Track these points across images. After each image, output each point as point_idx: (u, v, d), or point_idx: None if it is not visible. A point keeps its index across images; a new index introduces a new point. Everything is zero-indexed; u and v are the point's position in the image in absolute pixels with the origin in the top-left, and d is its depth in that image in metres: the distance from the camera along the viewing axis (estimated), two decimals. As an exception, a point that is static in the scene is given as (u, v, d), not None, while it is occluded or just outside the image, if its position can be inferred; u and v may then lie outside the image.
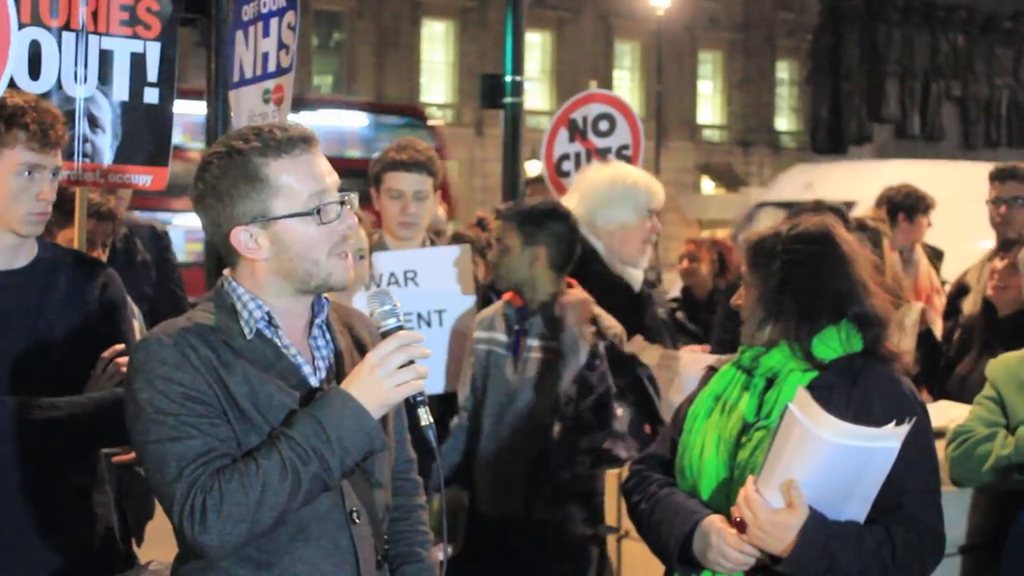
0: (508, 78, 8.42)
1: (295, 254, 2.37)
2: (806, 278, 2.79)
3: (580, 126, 6.52)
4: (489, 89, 8.72)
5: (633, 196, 4.42)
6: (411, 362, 2.28)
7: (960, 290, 5.62)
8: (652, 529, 2.86)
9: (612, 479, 4.05)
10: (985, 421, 3.56)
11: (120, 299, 3.18)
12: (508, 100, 8.46)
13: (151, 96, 3.73)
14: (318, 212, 2.35)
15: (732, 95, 42.76)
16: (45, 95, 3.56)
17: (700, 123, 42.40)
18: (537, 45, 37.48)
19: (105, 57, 3.66)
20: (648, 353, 4.27)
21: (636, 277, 4.54)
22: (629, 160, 6.31)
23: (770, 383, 2.82)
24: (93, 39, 3.63)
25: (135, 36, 3.69)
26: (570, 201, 4.55)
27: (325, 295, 2.48)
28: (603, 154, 6.44)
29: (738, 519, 2.63)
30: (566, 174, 6.43)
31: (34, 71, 3.56)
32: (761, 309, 2.83)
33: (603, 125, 6.55)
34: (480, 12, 36.08)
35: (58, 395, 2.94)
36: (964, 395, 4.42)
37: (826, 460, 2.54)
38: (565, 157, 6.49)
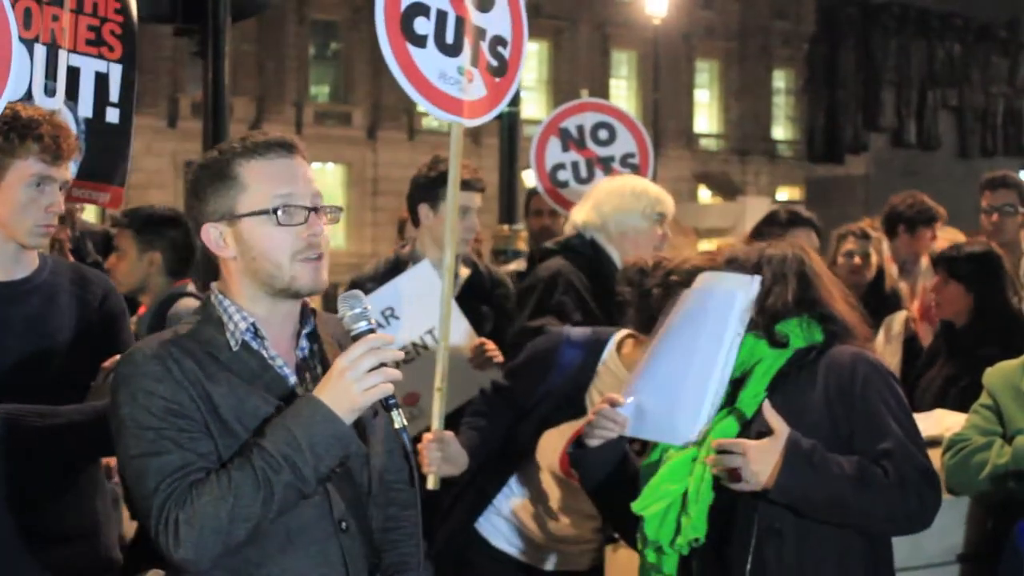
0: (504, 87, 8.42)
1: (257, 254, 2.38)
2: (774, 276, 2.91)
3: (575, 135, 6.44)
4: (485, 98, 8.72)
5: (644, 202, 4.46)
6: (383, 365, 2.26)
7: None
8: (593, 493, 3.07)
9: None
10: (981, 430, 3.55)
11: (120, 309, 3.20)
12: (504, 110, 8.45)
13: (112, 116, 3.77)
14: (275, 212, 2.36)
15: (729, 104, 42.80)
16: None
17: (697, 132, 42.43)
18: (534, 54, 37.51)
19: (72, 73, 3.69)
20: None
21: None
22: (637, 168, 6.25)
23: (738, 385, 2.89)
24: (62, 54, 3.64)
25: (100, 56, 3.73)
26: (583, 209, 4.58)
27: (310, 305, 2.49)
28: (606, 163, 6.37)
29: (730, 469, 2.67)
30: (563, 184, 6.37)
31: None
32: None
33: (602, 134, 6.48)
34: (477, 21, 36.15)
35: (60, 404, 2.95)
36: (925, 406, 4.42)
37: (688, 306, 2.88)
38: (560, 167, 6.42)
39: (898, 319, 5.45)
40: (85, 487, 3.09)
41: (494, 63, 3.84)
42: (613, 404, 2.89)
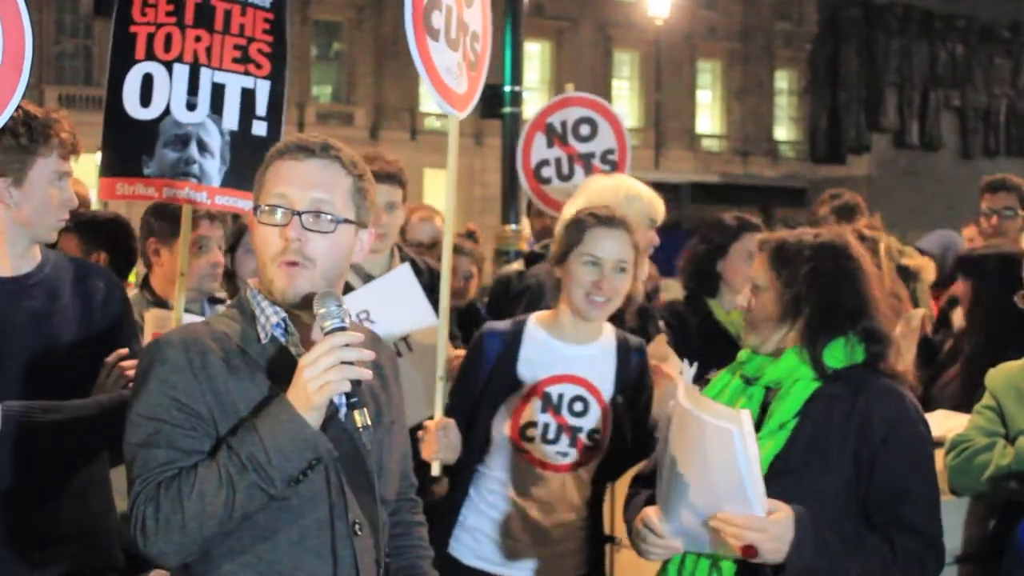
0: (507, 88, 8.41)
1: (255, 251, 2.42)
2: (828, 288, 2.83)
3: (559, 131, 6.41)
4: (488, 99, 8.70)
5: (637, 206, 4.43)
6: (350, 363, 2.23)
7: (951, 302, 5.61)
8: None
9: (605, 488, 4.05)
10: (984, 430, 3.55)
11: (123, 304, 3.22)
12: (507, 110, 8.44)
13: (259, 129, 3.89)
14: (256, 209, 2.39)
15: (731, 104, 42.80)
16: (156, 121, 3.78)
17: (699, 132, 42.43)
18: (536, 55, 37.52)
19: (217, 89, 3.84)
20: (673, 360, 4.25)
21: (638, 289, 4.54)
22: (615, 165, 6.21)
23: (768, 392, 2.85)
24: (206, 72, 3.81)
25: (246, 73, 3.87)
26: (573, 207, 4.54)
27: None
28: (586, 159, 6.31)
29: (748, 545, 2.60)
30: (546, 180, 6.33)
31: (145, 99, 3.78)
32: (776, 313, 2.86)
33: (584, 129, 6.40)
34: (479, 22, 36.13)
35: (64, 400, 2.97)
36: (943, 405, 4.42)
37: (684, 430, 2.58)
38: (544, 163, 6.37)
39: (917, 315, 5.45)
40: (86, 485, 3.10)
41: (472, 58, 3.95)
42: (649, 525, 2.72)
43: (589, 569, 3.63)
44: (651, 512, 2.73)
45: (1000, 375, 3.63)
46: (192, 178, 3.82)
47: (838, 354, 2.82)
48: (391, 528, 2.56)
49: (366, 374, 2.25)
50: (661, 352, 4.26)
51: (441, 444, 3.46)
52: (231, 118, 3.85)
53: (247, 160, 3.83)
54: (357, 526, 2.38)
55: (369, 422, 2.26)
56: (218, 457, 2.24)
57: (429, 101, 36.23)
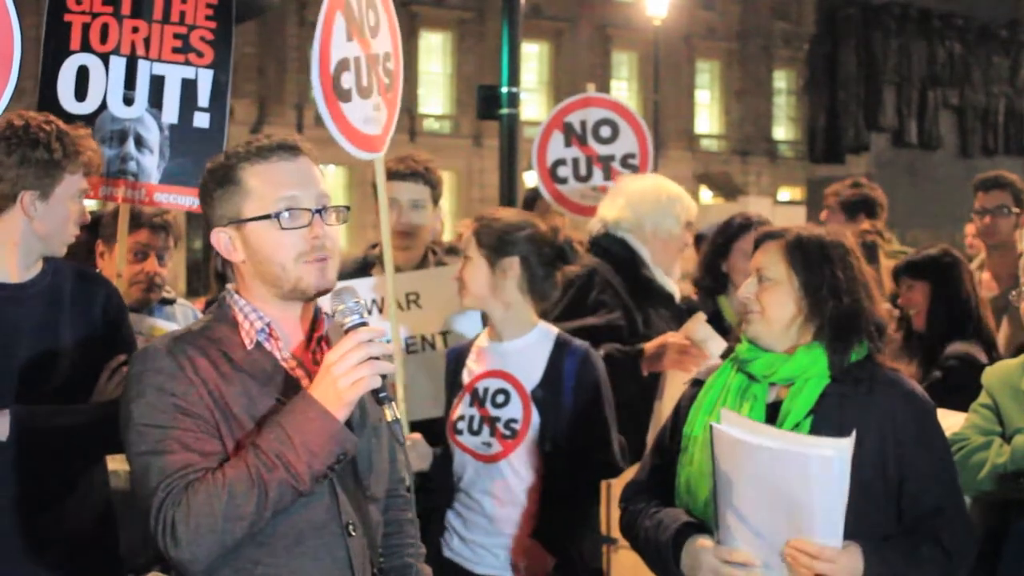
0: (504, 89, 8.40)
1: (263, 257, 2.39)
2: (854, 289, 2.85)
3: (578, 131, 6.37)
4: (485, 100, 8.69)
5: (679, 207, 4.54)
6: (376, 358, 2.25)
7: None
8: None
9: (602, 488, 4.05)
10: (980, 429, 3.55)
11: (121, 309, 3.24)
12: (504, 111, 8.43)
13: (201, 120, 3.82)
14: (278, 216, 2.36)
15: (730, 104, 42.79)
16: (91, 116, 3.70)
17: (698, 132, 42.42)
18: (535, 55, 37.50)
19: (156, 82, 3.77)
20: (714, 342, 4.20)
21: (675, 289, 4.62)
22: (636, 169, 6.19)
23: (772, 388, 2.86)
24: (144, 64, 3.73)
25: (187, 63, 3.79)
26: (614, 207, 4.56)
27: (323, 311, 2.48)
28: (605, 162, 6.28)
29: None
30: (563, 180, 6.29)
31: (80, 93, 3.70)
32: (792, 308, 2.85)
33: (604, 131, 6.34)
34: (477, 23, 36.13)
35: (66, 404, 3.00)
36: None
37: (766, 469, 2.55)
38: (561, 162, 6.33)
39: None
40: (87, 487, 3.12)
41: (386, 81, 3.94)
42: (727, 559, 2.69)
43: (564, 567, 3.62)
44: (724, 550, 2.68)
45: (996, 374, 3.63)
46: (129, 175, 3.77)
47: (851, 353, 2.86)
48: (385, 526, 2.57)
49: (392, 368, 2.28)
50: (701, 332, 4.18)
51: (410, 457, 3.62)
52: (171, 111, 3.78)
53: (188, 154, 3.79)
54: (351, 526, 2.39)
55: (398, 415, 2.29)
56: (245, 457, 2.24)
57: (428, 103, 36.26)
